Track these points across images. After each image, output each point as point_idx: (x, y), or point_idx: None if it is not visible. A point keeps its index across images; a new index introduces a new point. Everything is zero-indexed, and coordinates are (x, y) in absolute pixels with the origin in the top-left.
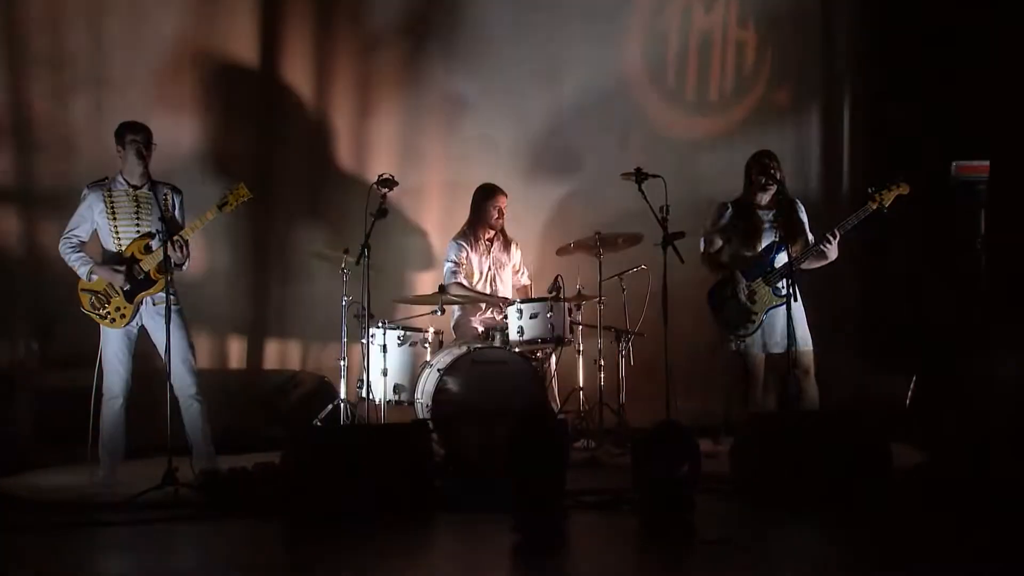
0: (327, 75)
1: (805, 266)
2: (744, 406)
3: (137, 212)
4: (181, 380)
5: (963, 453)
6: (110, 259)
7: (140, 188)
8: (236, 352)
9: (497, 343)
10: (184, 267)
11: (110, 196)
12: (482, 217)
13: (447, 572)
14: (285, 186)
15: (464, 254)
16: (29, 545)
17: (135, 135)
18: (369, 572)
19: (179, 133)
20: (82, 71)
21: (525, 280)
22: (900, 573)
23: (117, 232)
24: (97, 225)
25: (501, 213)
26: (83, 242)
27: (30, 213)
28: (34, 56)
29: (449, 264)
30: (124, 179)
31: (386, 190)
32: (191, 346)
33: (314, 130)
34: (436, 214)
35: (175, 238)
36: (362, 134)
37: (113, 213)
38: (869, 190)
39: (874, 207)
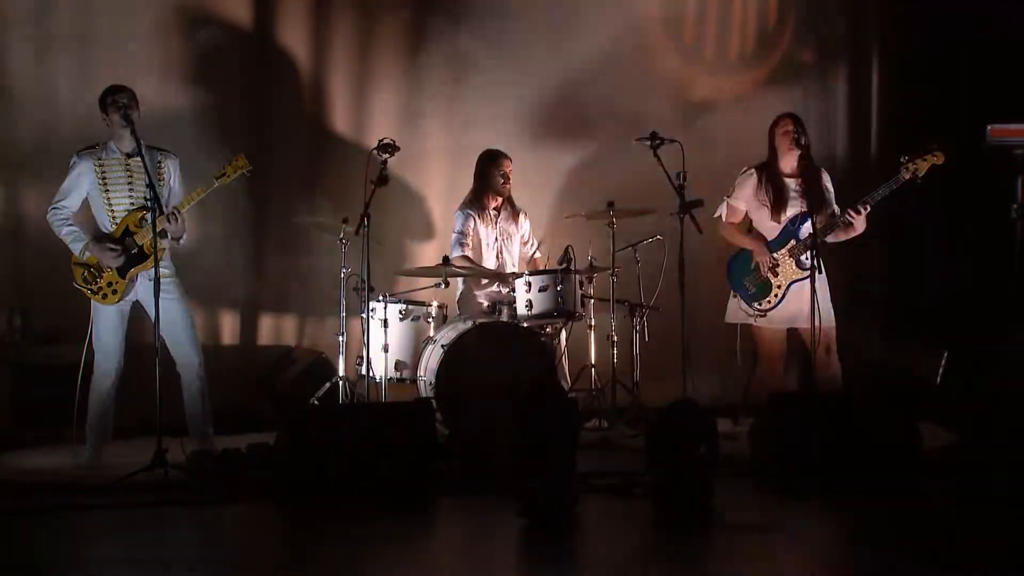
0: (325, 36)
1: (831, 239)
2: (762, 384)
3: (130, 182)
4: (187, 357)
5: (995, 433)
6: (103, 235)
7: (133, 156)
8: (229, 327)
9: (504, 318)
10: (181, 241)
11: (100, 165)
12: (488, 184)
13: (450, 558)
14: (281, 152)
15: (471, 224)
16: (11, 529)
17: (116, 96)
18: (368, 557)
19: (169, 98)
20: (66, 29)
21: (534, 251)
22: (928, 559)
23: (110, 203)
24: (89, 196)
25: (507, 179)
26: (73, 213)
27: (11, 179)
28: (14, 11)
29: (455, 235)
30: (115, 146)
31: (386, 156)
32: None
33: (311, 93)
34: (440, 181)
35: (172, 212)
36: (362, 97)
37: (104, 183)
38: (902, 159)
39: (907, 177)
